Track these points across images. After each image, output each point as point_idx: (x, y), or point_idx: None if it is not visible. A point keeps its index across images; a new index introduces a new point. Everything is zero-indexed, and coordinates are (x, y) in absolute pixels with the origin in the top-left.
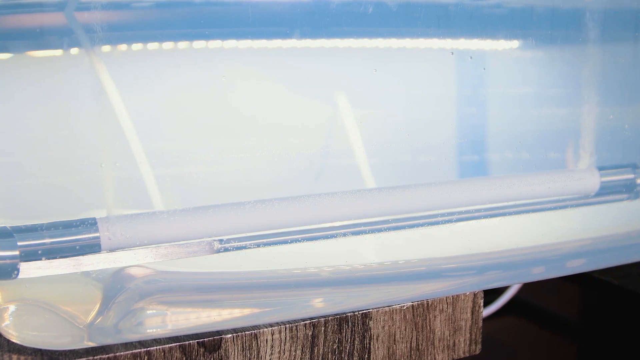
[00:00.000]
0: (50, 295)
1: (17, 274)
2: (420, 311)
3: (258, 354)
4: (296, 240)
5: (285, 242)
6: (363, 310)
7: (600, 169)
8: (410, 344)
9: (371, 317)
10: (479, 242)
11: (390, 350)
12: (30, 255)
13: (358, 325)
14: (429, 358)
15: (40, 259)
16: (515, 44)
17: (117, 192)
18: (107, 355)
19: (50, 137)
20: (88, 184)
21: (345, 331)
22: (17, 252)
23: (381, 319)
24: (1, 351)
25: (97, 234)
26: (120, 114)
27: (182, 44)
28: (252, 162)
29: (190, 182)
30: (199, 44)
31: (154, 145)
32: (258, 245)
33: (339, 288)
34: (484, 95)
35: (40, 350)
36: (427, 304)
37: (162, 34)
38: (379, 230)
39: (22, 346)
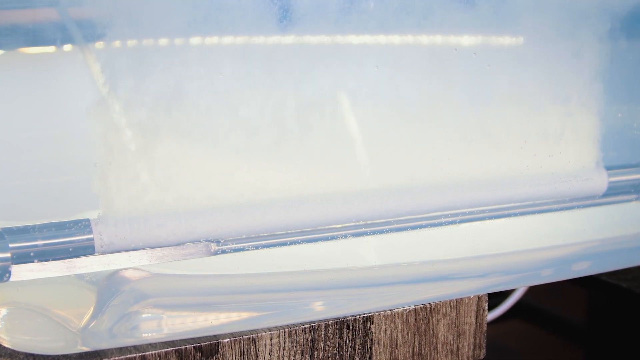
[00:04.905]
0: (42, 299)
1: (9, 277)
2: (423, 315)
3: (256, 359)
4: (295, 242)
5: (284, 243)
6: (364, 313)
7: (608, 168)
8: (413, 348)
9: (372, 321)
10: (483, 243)
11: (392, 354)
12: (22, 257)
13: (359, 329)
14: None
15: (33, 261)
16: (520, 40)
17: (111, 193)
18: None
19: (43, 135)
20: (82, 184)
21: (346, 335)
22: (8, 254)
23: (383, 322)
24: None
25: (90, 236)
26: (114, 112)
27: (178, 40)
28: (250, 162)
29: (186, 182)
30: (195, 40)
31: (150, 145)
32: (256, 247)
33: (339, 291)
34: (488, 93)
35: (33, 354)
36: (430, 307)
37: (157, 30)
38: (381, 232)
39: (13, 351)
